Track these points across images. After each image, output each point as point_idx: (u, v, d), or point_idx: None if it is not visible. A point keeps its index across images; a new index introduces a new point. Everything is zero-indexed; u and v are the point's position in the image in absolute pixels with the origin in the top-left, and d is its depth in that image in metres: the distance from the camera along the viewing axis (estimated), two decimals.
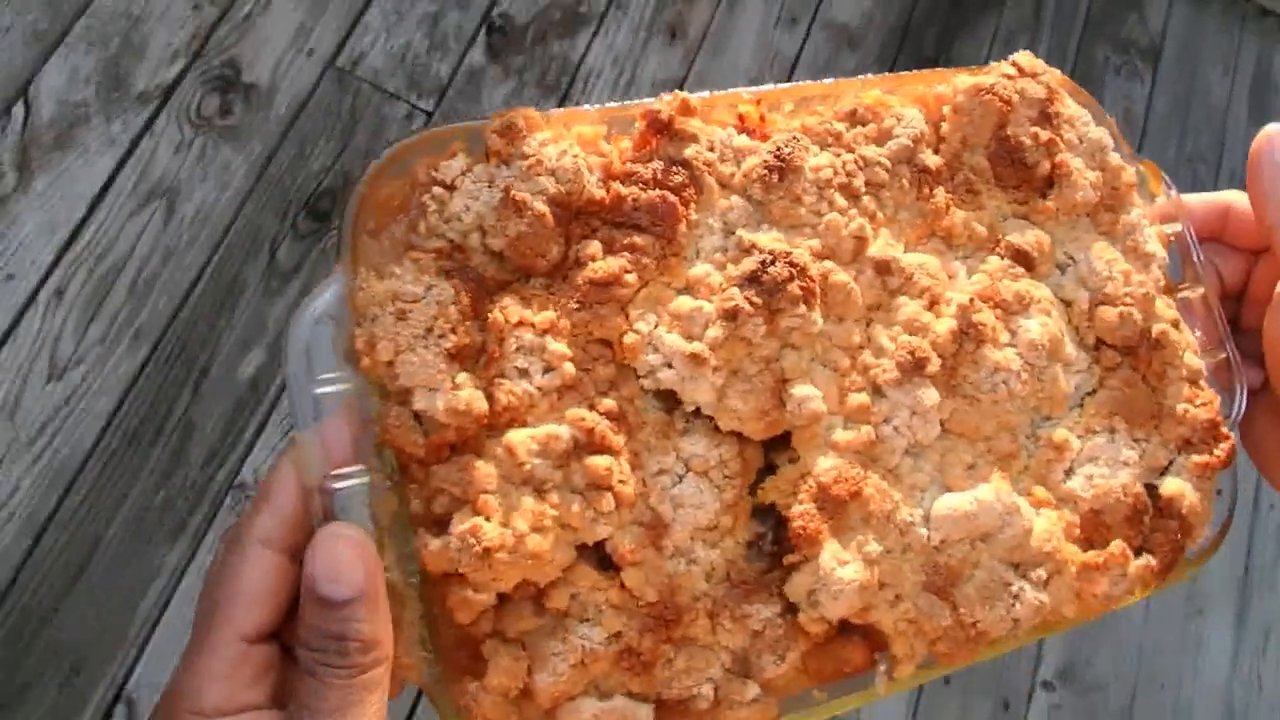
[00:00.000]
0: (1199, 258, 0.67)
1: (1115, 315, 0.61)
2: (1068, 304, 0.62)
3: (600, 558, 0.51)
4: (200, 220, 1.51)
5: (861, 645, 0.53)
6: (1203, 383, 0.63)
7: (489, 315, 0.50)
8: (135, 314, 1.48)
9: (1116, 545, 0.57)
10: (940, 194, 0.60)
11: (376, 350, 0.47)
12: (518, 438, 0.48)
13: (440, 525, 0.48)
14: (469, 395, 0.48)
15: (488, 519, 0.46)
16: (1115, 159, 0.65)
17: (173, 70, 1.57)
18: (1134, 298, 0.62)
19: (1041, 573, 0.55)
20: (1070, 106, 0.65)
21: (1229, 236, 0.70)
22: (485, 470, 0.48)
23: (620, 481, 0.50)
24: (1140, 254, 0.64)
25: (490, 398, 0.49)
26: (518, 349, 0.50)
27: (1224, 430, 0.62)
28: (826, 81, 0.62)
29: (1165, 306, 0.63)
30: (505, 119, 0.52)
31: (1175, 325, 0.63)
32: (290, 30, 1.58)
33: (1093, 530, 0.58)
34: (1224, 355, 0.66)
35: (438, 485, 0.48)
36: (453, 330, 0.49)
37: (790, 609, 0.52)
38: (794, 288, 0.53)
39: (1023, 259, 0.61)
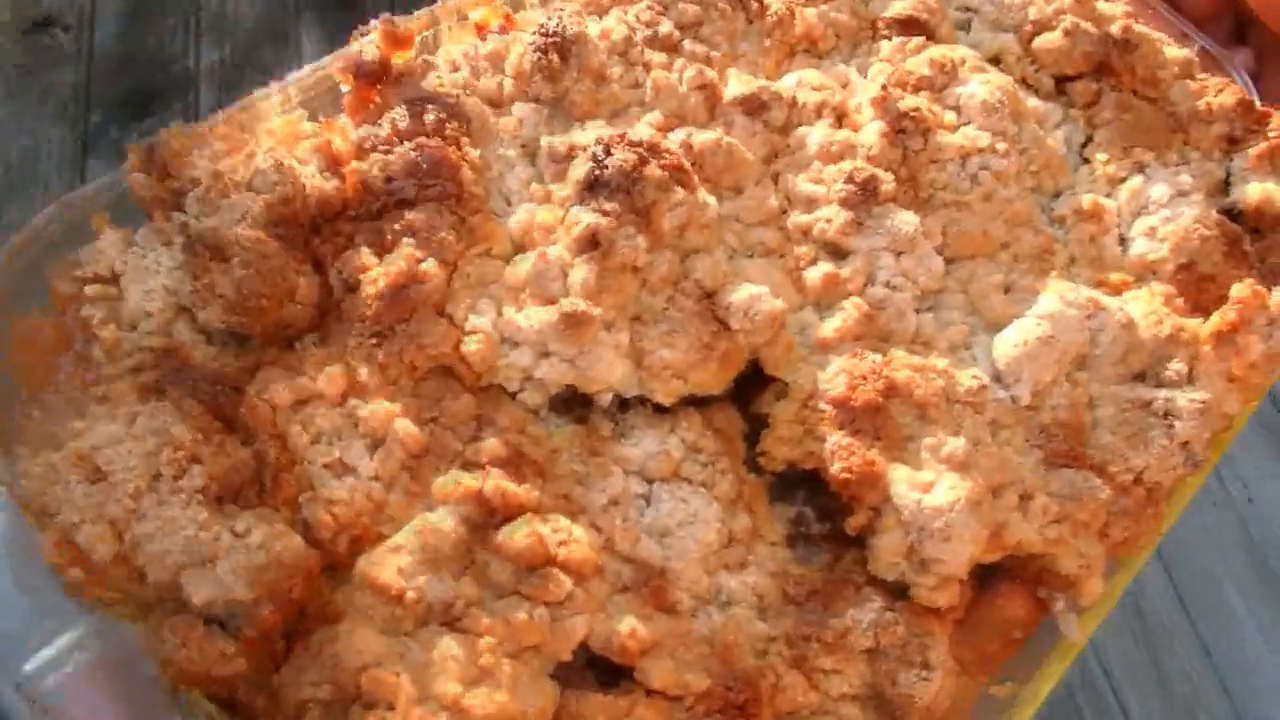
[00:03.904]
0: None
1: (1060, 36, 0.45)
2: (996, 61, 0.47)
3: (596, 667, 0.31)
4: None
5: (1018, 590, 0.35)
6: (1199, 74, 0.48)
7: (243, 412, 0.31)
8: None
9: (1241, 286, 0.40)
10: (775, 1, 0.45)
11: (82, 551, 0.28)
12: (377, 565, 0.29)
13: None
14: (264, 540, 0.28)
15: (391, 706, 0.27)
16: None
17: None
18: (1066, 7, 0.46)
19: (1179, 365, 0.37)
20: None
21: None
22: (357, 636, 0.28)
23: (561, 544, 0.31)
24: None
25: (307, 527, 0.30)
26: (314, 439, 0.31)
27: (1261, 106, 0.47)
28: None
29: (1105, 3, 0.48)
30: (141, 147, 0.34)
31: (1132, 18, 0.48)
32: None
33: (1196, 290, 0.41)
34: (1197, 44, 0.51)
35: (296, 699, 0.28)
36: (193, 459, 0.29)
37: (896, 592, 0.33)
38: (653, 170, 0.36)
39: (916, 27, 0.45)
